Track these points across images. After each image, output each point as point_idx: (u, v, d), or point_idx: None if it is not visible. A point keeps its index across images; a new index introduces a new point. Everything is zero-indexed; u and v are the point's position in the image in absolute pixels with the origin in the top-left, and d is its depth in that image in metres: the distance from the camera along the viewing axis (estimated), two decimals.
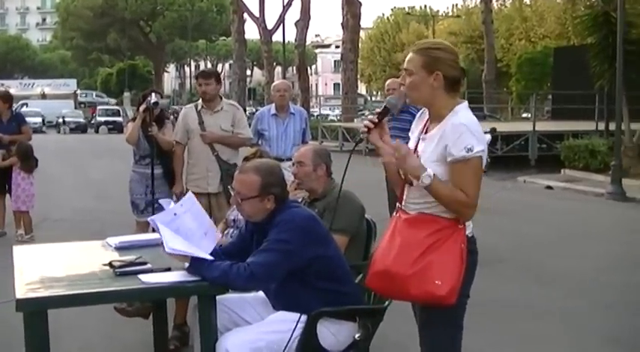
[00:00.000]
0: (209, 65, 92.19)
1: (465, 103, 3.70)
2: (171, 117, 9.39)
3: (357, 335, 4.26)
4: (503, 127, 28.42)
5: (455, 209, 3.57)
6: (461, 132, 3.51)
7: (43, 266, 4.34)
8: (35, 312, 3.71)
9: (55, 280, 4.03)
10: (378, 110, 3.79)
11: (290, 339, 4.02)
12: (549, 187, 18.55)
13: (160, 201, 4.83)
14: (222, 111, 7.45)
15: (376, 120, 3.74)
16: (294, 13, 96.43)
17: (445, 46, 3.70)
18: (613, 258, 9.94)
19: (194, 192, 7.26)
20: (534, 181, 19.65)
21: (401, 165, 3.63)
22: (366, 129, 3.75)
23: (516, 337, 6.54)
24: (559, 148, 21.85)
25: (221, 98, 7.56)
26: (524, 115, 45.29)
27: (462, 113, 3.61)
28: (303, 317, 4.11)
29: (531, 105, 29.47)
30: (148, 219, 4.30)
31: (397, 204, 3.82)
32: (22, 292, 3.78)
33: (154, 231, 4.82)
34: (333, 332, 4.19)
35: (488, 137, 22.27)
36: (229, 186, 4.41)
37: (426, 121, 3.80)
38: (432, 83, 3.61)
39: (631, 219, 13.71)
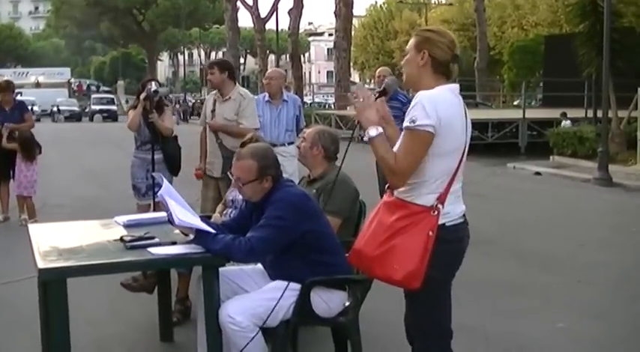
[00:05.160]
0: (202, 53, 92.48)
1: (449, 86, 3.78)
2: (169, 104, 9.72)
3: (346, 303, 4.67)
4: (494, 115, 28.86)
5: (385, 172, 3.71)
6: (415, 103, 3.62)
7: (58, 242, 4.70)
8: (56, 281, 4.06)
9: (72, 252, 4.42)
10: (378, 89, 4.03)
11: (277, 304, 4.38)
12: (538, 173, 18.88)
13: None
14: (231, 100, 7.81)
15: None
16: (287, 2, 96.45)
17: (439, 30, 3.92)
18: (593, 239, 10.29)
19: (207, 175, 7.81)
20: (523, 167, 19.96)
21: (359, 115, 3.78)
22: None
23: (498, 311, 6.91)
24: (548, 135, 22.16)
25: (236, 86, 7.95)
26: (516, 103, 45.48)
27: (434, 90, 3.70)
28: (294, 285, 4.48)
29: (522, 93, 29.77)
30: (157, 194, 4.67)
31: (386, 186, 3.96)
32: (42, 263, 4.13)
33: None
34: (325, 300, 4.58)
35: (568, 122, 22.79)
36: (228, 173, 4.78)
37: None
38: (418, 61, 3.78)
39: (615, 203, 14.08)
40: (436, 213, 3.65)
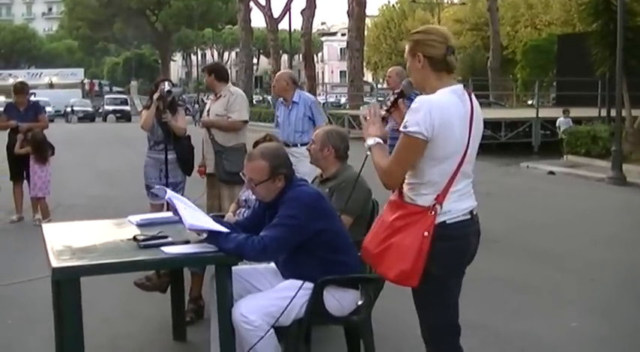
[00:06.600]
0: (215, 54, 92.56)
1: (452, 87, 3.73)
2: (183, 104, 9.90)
3: (359, 302, 4.67)
4: (507, 114, 28.80)
5: (378, 175, 3.76)
6: (411, 107, 3.64)
7: (72, 241, 4.73)
8: (69, 280, 4.09)
9: (86, 251, 4.45)
10: (397, 91, 4.05)
11: (290, 302, 4.40)
12: (551, 172, 18.81)
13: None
14: (222, 97, 8.23)
15: (392, 102, 4.04)
16: (300, 2, 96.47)
17: (425, 28, 3.91)
18: (606, 238, 10.24)
19: (210, 174, 8.05)
20: (537, 167, 19.90)
21: (364, 129, 3.93)
22: (385, 113, 4.04)
23: (510, 309, 6.90)
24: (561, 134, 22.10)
25: (227, 85, 8.38)
26: (530, 102, 45.36)
27: (434, 95, 3.69)
28: (307, 284, 4.50)
29: (535, 92, 29.70)
30: (165, 197, 4.70)
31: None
32: (56, 262, 4.15)
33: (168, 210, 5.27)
34: (338, 299, 4.59)
35: (567, 120, 22.30)
36: (241, 173, 4.79)
37: None
38: (417, 65, 3.79)
39: (629, 202, 14.03)
40: (433, 213, 3.67)
